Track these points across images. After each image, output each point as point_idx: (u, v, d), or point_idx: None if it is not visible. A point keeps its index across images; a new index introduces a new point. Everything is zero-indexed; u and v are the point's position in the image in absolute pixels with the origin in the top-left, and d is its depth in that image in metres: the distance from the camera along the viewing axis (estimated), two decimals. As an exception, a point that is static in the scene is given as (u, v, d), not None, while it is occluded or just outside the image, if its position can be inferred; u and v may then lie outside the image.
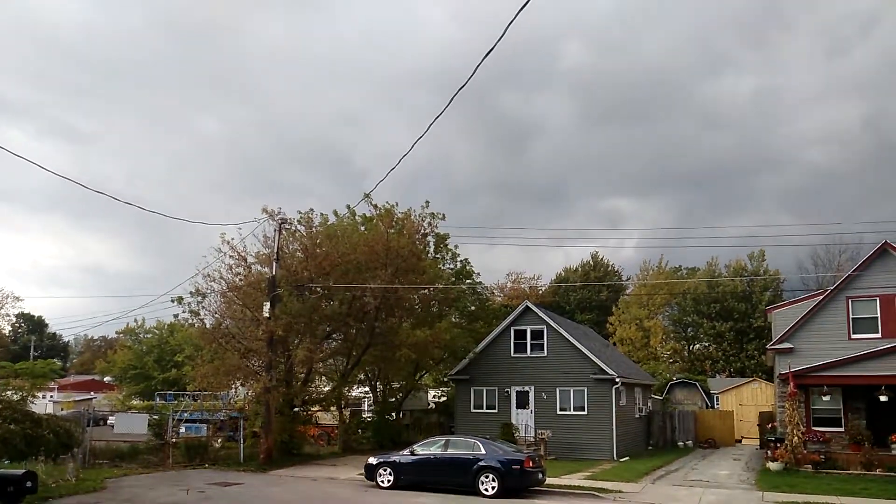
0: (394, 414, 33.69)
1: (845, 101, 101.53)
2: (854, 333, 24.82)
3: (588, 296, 65.92)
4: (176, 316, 26.47)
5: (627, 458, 26.73)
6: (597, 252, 67.07)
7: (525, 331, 29.22)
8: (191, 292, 24.41)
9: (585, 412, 27.36)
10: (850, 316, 25.00)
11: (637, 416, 31.55)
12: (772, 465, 22.11)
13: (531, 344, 29.05)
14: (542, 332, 28.90)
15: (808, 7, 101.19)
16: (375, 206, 29.17)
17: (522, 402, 28.65)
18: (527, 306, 29.92)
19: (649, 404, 34.81)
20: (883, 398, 22.70)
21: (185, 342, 43.25)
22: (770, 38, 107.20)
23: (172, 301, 24.69)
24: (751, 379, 44.29)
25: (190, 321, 25.62)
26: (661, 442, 33.88)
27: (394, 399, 34.21)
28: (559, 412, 27.79)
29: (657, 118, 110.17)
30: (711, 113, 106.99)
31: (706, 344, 60.15)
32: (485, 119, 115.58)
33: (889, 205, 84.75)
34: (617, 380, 26.91)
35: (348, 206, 30.30)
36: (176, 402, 29.98)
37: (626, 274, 70.33)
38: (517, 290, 65.08)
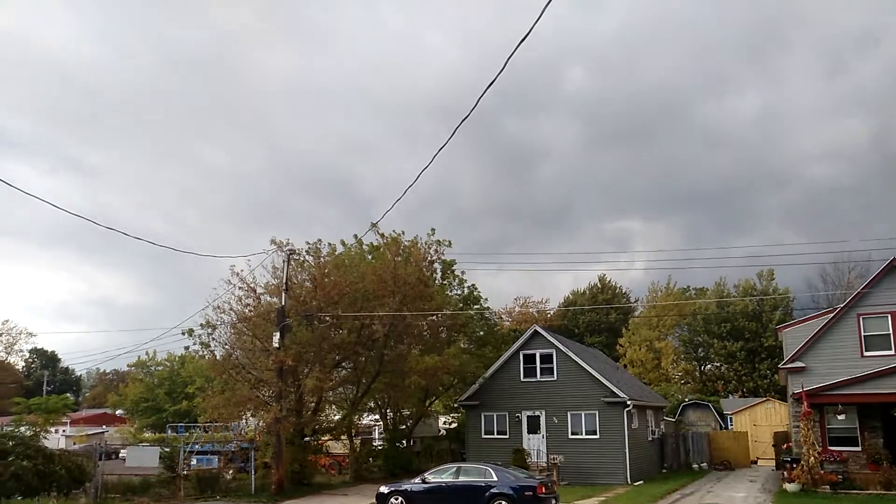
0: (404, 441, 33.51)
1: (848, 117, 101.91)
2: (867, 351, 24.62)
3: (597, 318, 65.63)
4: (187, 348, 26.69)
5: (641, 481, 26.42)
6: (604, 274, 66.96)
7: (534, 355, 29.16)
8: (201, 324, 24.64)
9: (598, 436, 27.13)
10: (862, 333, 24.83)
11: (650, 438, 31.23)
12: (788, 487, 21.81)
13: (541, 368, 28.96)
14: (551, 355, 28.83)
15: (806, 24, 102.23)
16: (382, 235, 29.47)
17: (534, 427, 28.47)
18: (535, 330, 29.90)
19: (662, 426, 34.44)
20: (899, 416, 22.44)
21: (195, 374, 43.35)
22: (770, 56, 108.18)
23: (183, 333, 24.90)
24: (764, 399, 43.74)
25: (201, 353, 25.79)
26: (675, 464, 33.46)
27: (404, 426, 34.06)
28: (571, 436, 27.57)
29: (661, 139, 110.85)
30: (715, 132, 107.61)
31: (718, 364, 59.55)
32: (490, 144, 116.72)
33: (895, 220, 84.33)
34: (628, 402, 26.74)
35: (355, 236, 30.64)
36: (187, 434, 29.99)
37: (634, 296, 70.08)
38: (525, 314, 64.92)
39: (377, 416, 35.48)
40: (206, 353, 25.39)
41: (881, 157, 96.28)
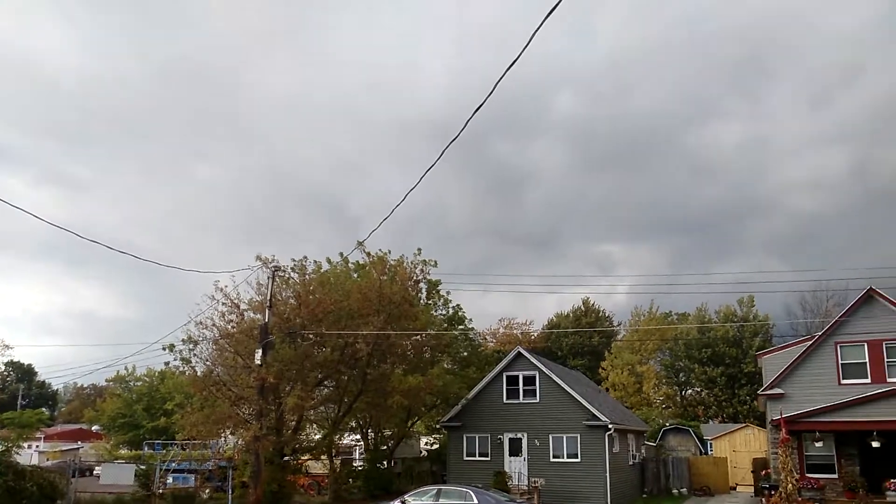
0: (385, 462, 33.24)
1: (831, 148, 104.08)
2: (844, 379, 24.99)
3: (580, 341, 65.87)
4: (167, 363, 26.38)
5: (622, 506, 26.42)
6: (588, 298, 67.35)
7: (517, 377, 29.19)
8: (182, 339, 24.41)
9: (579, 459, 27.13)
10: (840, 361, 25.21)
11: (630, 462, 31.26)
12: (766, 513, 21.92)
13: (523, 390, 28.99)
14: (534, 377, 28.89)
15: (790, 57, 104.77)
16: (369, 254, 29.52)
17: (515, 450, 28.41)
18: (519, 352, 29.98)
19: (643, 451, 34.50)
20: (875, 444, 22.74)
21: (175, 390, 42.77)
22: (756, 86, 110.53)
23: (164, 349, 24.65)
24: (743, 425, 44.02)
25: (181, 369, 25.51)
26: (656, 489, 33.48)
27: (385, 447, 33.81)
28: (552, 459, 27.55)
29: (648, 166, 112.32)
30: (700, 160, 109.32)
31: (698, 389, 59.91)
32: (480, 166, 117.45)
33: (875, 250, 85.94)
34: (610, 426, 26.81)
35: (341, 254, 30.65)
36: (164, 451, 29.55)
37: (617, 319, 70.50)
38: (510, 335, 64.98)
39: (358, 436, 35.20)
40: (186, 368, 25.12)
41: (861, 189, 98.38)
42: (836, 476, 23.67)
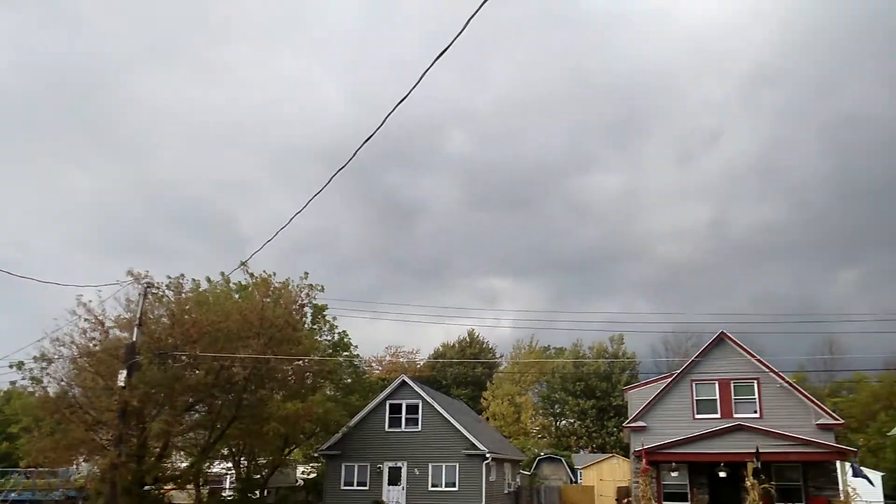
0: (258, 492, 31.70)
1: (693, 203, 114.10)
2: (698, 414, 27.21)
3: (464, 371, 66.91)
4: (13, 382, 23.78)
5: (495, 535, 26.90)
6: (473, 329, 68.76)
7: (401, 405, 29.15)
8: (34, 357, 22.18)
9: (457, 487, 27.40)
10: (694, 397, 27.48)
11: (506, 491, 31.97)
12: (627, 540, 23.18)
13: (406, 418, 28.96)
14: (417, 406, 28.98)
15: (662, 117, 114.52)
16: (252, 275, 28.48)
17: (395, 479, 28.19)
18: (403, 380, 29.99)
19: (518, 479, 35.42)
20: (722, 474, 24.84)
21: (22, 412, 38.51)
22: (631, 142, 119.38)
23: (11, 366, 22.24)
24: (610, 455, 46.45)
25: (30, 388, 23.12)
26: (528, 518, 34.40)
27: (259, 476, 32.27)
28: (431, 488, 27.61)
29: (534, 206, 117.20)
30: (582, 205, 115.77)
31: (572, 420, 62.68)
32: (373, 195, 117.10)
33: (728, 298, 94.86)
34: (487, 455, 27.34)
35: (223, 273, 29.30)
36: (3, 480, 26.44)
37: (500, 351, 72.42)
38: (395, 363, 64.79)
39: (230, 465, 33.37)
40: (37, 389, 22.79)
41: (719, 241, 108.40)
42: (689, 503, 25.53)
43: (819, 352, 66.72)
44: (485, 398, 61.24)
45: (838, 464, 24.90)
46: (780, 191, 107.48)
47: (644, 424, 27.52)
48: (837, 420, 26.71)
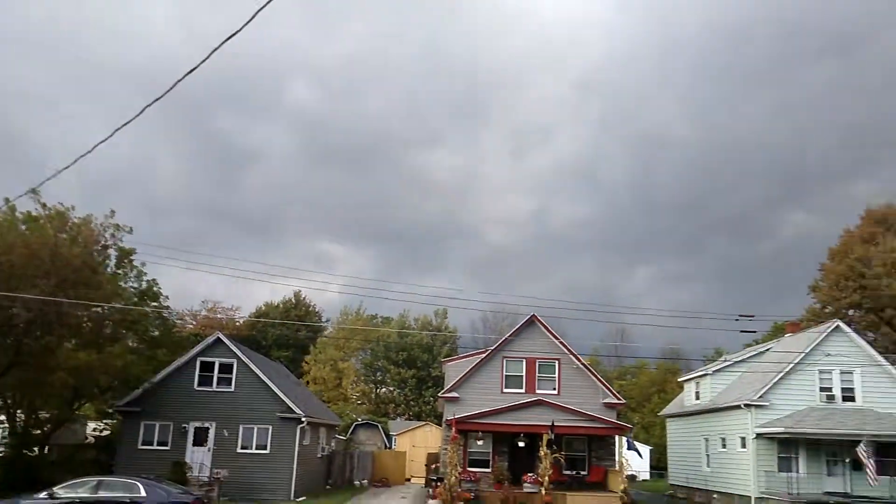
0: (38, 449, 28.40)
1: (521, 193, 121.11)
2: (506, 388, 29.20)
3: (287, 333, 65.34)
4: None
5: (304, 497, 26.78)
6: (300, 291, 67.21)
7: (213, 363, 27.70)
8: None
9: (268, 451, 26.77)
10: (504, 373, 29.46)
11: (319, 455, 31.93)
12: (431, 503, 24.32)
13: (218, 377, 27.60)
14: (231, 365, 27.72)
15: (502, 108, 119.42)
16: (44, 206, 25.00)
17: (201, 440, 26.81)
18: (218, 337, 28.48)
19: (333, 444, 35.54)
20: (521, 444, 26.98)
21: None
22: (472, 126, 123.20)
23: None
24: (424, 423, 48.40)
25: None
26: (340, 481, 34.75)
27: (40, 431, 28.88)
28: (240, 450, 26.70)
29: (375, 172, 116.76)
30: (422, 179, 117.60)
31: (392, 388, 64.25)
32: (200, 136, 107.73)
33: (542, 284, 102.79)
34: (303, 419, 27.01)
35: (7, 200, 25.16)
36: None
37: (326, 316, 71.73)
38: (212, 320, 61.38)
39: (3, 417, 29.45)
40: None
41: (539, 231, 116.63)
42: (490, 470, 27.42)
43: (612, 339, 75.11)
44: (307, 362, 60.48)
45: (617, 438, 28.17)
46: (595, 192, 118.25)
47: (457, 395, 28.92)
48: (620, 400, 30.19)
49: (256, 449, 26.80)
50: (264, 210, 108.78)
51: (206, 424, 26.94)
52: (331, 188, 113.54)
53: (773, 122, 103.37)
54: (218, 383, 27.52)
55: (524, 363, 29.54)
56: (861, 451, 23.44)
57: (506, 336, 31.26)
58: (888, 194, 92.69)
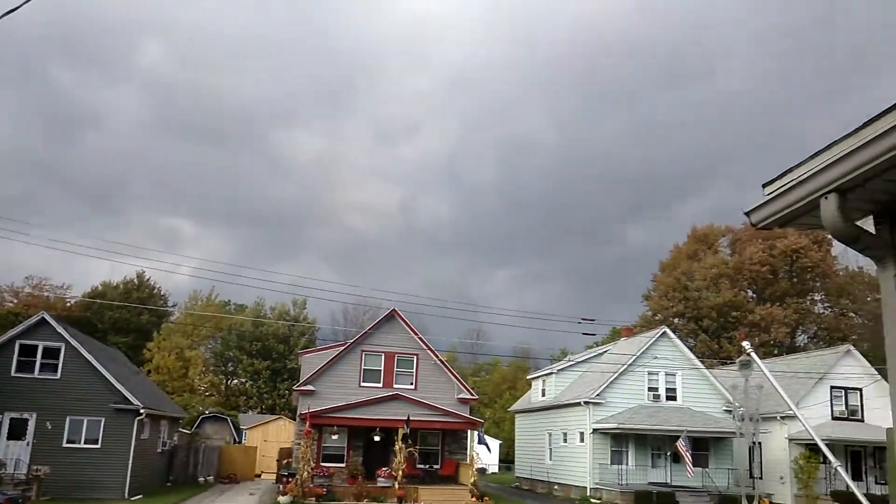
0: None
1: (387, 184, 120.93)
2: (364, 382, 29.14)
3: (127, 317, 60.07)
4: None
5: (141, 495, 24.83)
6: (144, 272, 62.06)
7: (36, 347, 24.80)
8: None
9: (99, 445, 24.47)
10: (362, 367, 29.40)
11: (160, 450, 29.77)
12: (282, 499, 23.61)
13: (42, 363, 24.76)
14: (58, 350, 24.97)
15: (368, 96, 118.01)
16: None
17: (18, 433, 23.87)
18: (43, 318, 25.54)
19: (175, 438, 33.32)
20: (377, 438, 27.03)
21: None
22: (338, 111, 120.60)
23: None
24: (278, 416, 46.90)
25: None
26: (183, 478, 32.66)
27: None
28: (66, 444, 24.16)
29: (232, 149, 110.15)
30: (281, 160, 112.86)
31: (244, 380, 61.42)
32: (31, 87, 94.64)
33: (405, 278, 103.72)
34: (142, 410, 25.02)
35: None
36: None
37: (173, 300, 66.98)
38: (38, 298, 55.03)
39: None
40: None
41: (404, 224, 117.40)
42: (344, 465, 27.17)
43: (469, 336, 77.76)
44: (149, 349, 56.00)
45: (469, 432, 29.19)
46: (460, 190, 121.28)
47: (313, 388, 28.36)
48: (474, 396, 31.35)
49: (86, 443, 24.41)
50: (106, 178, 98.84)
51: (26, 415, 24.08)
52: (184, 162, 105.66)
53: (623, 140, 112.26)
54: (41, 370, 24.70)
55: (383, 357, 29.63)
56: (680, 445, 26.23)
57: (366, 329, 31.18)
58: (712, 216, 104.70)
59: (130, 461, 24.57)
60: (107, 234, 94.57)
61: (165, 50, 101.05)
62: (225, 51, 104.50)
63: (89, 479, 23.79)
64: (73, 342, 25.12)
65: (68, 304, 57.56)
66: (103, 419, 24.65)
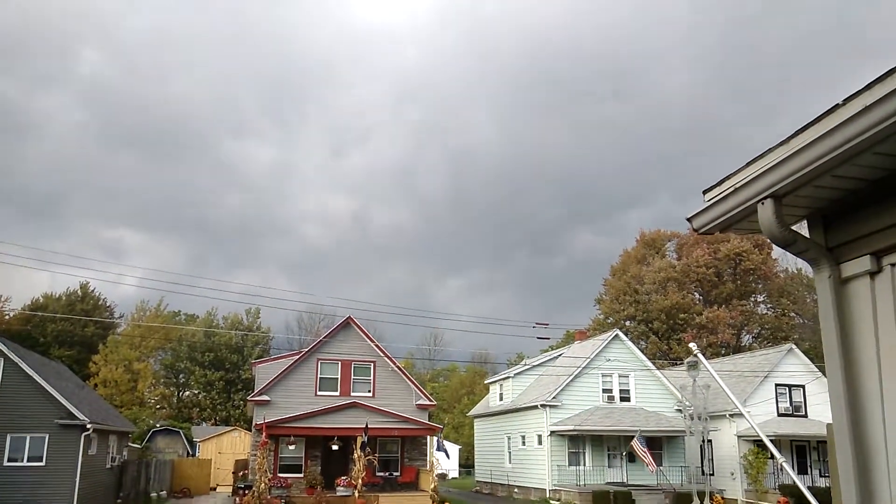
0: None
1: (340, 193, 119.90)
2: (320, 391, 28.81)
3: (71, 329, 57.81)
4: None
5: (85, 515, 23.90)
6: (88, 283, 59.86)
7: (-26, 362, 23.68)
8: None
9: (44, 462, 23.47)
10: (319, 375, 29.08)
11: (109, 466, 28.76)
12: (237, 512, 23.10)
13: (-20, 380, 23.64)
14: (-1, 365, 23.91)
15: (321, 105, 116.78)
16: None
17: (-47, 453, 22.72)
18: (-16, 333, 24.45)
19: (125, 453, 32.22)
20: (335, 447, 26.76)
21: None
22: (289, 120, 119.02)
23: None
24: (232, 428, 45.82)
25: None
26: (134, 494, 31.52)
27: None
28: (7, 463, 23.13)
29: (181, 158, 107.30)
30: (232, 169, 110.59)
31: (196, 392, 59.77)
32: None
33: (360, 286, 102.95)
34: (88, 426, 24.13)
35: None
36: None
37: (119, 311, 64.79)
38: (-25, 311, 52.47)
39: None
40: None
41: (357, 233, 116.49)
42: (302, 475, 26.78)
43: (426, 343, 77.72)
44: (94, 362, 53.99)
45: (428, 438, 29.19)
46: (412, 199, 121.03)
47: (268, 398, 27.90)
48: (432, 402, 31.37)
49: (30, 461, 23.40)
50: (46, 188, 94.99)
51: (-39, 435, 22.94)
52: (130, 171, 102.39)
53: (568, 148, 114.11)
54: (-21, 386, 23.58)
55: (339, 366, 29.36)
56: (636, 444, 26.85)
57: (321, 338, 30.87)
58: (659, 222, 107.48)
59: (78, 478, 23.65)
60: (48, 244, 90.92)
61: (106, 58, 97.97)
62: (170, 58, 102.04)
63: (34, 499, 22.80)
64: (12, 356, 24.08)
65: (6, 318, 55.05)
66: (47, 435, 23.69)
